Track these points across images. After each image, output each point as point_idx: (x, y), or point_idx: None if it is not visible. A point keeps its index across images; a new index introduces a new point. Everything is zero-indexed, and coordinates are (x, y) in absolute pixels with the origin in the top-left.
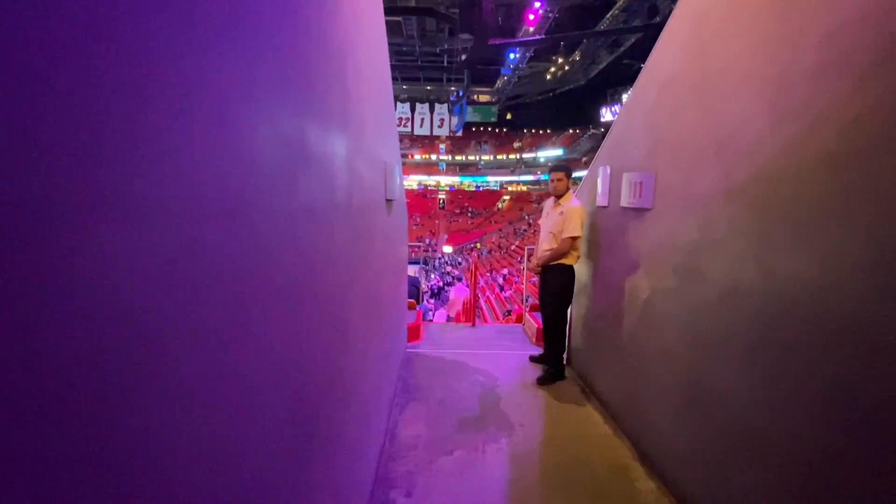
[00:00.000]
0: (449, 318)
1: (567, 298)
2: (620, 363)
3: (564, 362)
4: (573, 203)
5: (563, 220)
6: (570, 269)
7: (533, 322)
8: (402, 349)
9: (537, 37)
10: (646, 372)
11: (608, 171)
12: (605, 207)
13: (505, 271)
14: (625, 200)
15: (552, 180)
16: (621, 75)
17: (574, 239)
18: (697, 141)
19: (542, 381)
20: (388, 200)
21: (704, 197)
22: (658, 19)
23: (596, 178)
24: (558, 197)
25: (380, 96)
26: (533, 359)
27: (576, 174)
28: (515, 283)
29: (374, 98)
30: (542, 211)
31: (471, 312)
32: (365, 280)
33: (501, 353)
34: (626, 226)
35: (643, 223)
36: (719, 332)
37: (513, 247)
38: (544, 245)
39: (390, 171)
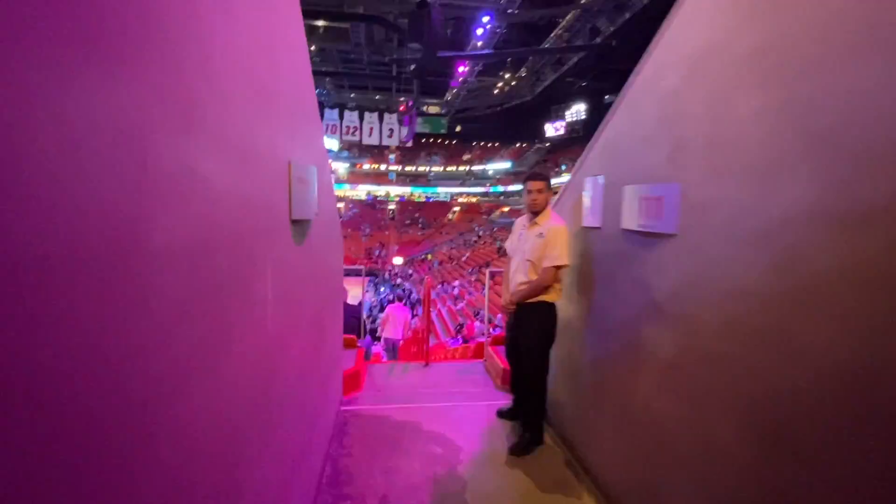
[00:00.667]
0: (388, 344)
1: (548, 345)
2: (628, 436)
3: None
4: (555, 222)
5: (543, 245)
6: (553, 307)
7: (497, 360)
8: (333, 412)
9: (485, 51)
10: (672, 459)
11: (601, 182)
12: (596, 229)
13: (456, 283)
14: (630, 221)
15: (529, 191)
16: (564, 92)
17: (559, 268)
18: (766, 136)
19: (517, 451)
20: (296, 221)
21: (788, 220)
22: (599, 40)
23: (581, 192)
24: (535, 213)
25: (282, 64)
26: (502, 414)
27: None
28: (468, 295)
29: (261, 56)
30: (493, 224)
31: (422, 346)
32: (250, 356)
33: (462, 406)
34: (633, 254)
35: (661, 253)
36: (837, 439)
37: (463, 258)
38: (519, 276)
39: (301, 176)
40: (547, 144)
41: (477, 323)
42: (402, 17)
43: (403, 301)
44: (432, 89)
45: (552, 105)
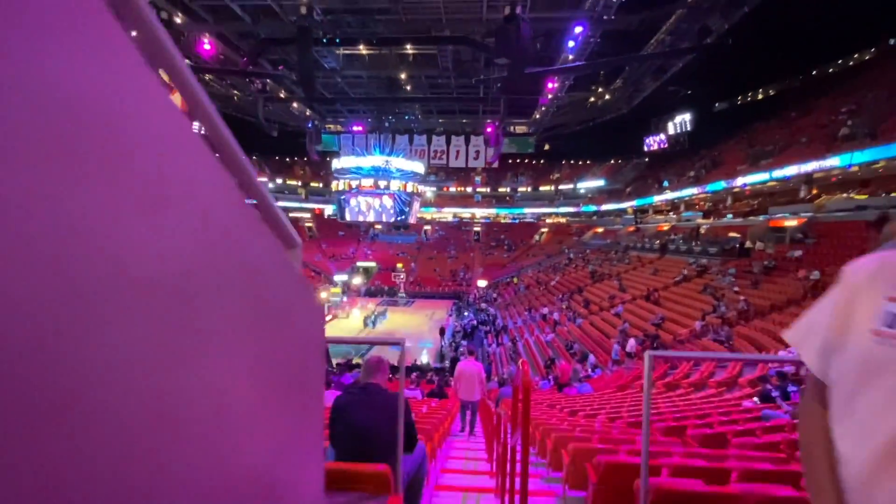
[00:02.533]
0: (465, 406)
1: None
2: None
3: None
4: None
5: None
6: None
7: None
8: None
9: (577, 63)
10: None
11: None
12: None
13: (545, 310)
14: None
15: None
16: (666, 103)
17: None
18: None
19: None
20: None
21: None
22: (710, 40)
23: None
24: None
25: None
26: None
27: (621, 205)
28: (559, 326)
29: None
30: (585, 246)
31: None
32: None
33: None
34: None
35: None
36: None
37: (552, 282)
38: None
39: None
40: (645, 159)
41: (574, 364)
42: (489, 37)
43: (476, 354)
44: (519, 109)
45: (652, 117)
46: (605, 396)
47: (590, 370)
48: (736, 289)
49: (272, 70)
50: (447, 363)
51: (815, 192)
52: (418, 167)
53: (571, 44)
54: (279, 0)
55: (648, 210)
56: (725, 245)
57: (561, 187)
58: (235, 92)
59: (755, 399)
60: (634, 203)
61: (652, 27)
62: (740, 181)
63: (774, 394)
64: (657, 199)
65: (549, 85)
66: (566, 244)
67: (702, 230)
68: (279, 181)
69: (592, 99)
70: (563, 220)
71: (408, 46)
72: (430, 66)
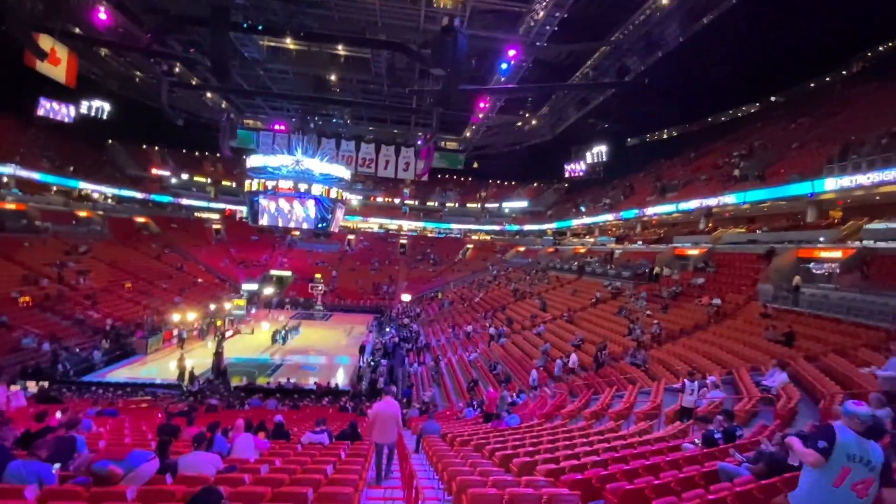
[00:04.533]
0: (379, 451)
1: None
2: None
3: None
4: None
5: None
6: None
7: None
8: None
9: (509, 85)
10: None
11: None
12: None
13: (469, 328)
14: None
15: None
16: (585, 133)
17: None
18: None
19: None
20: None
21: None
22: (628, 78)
23: None
24: None
25: None
26: None
27: (543, 226)
28: (482, 344)
29: None
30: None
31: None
32: None
33: None
34: None
35: None
36: None
37: (476, 299)
38: None
39: None
40: (565, 185)
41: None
42: (425, 47)
43: (395, 393)
44: (451, 125)
45: (572, 145)
46: (534, 430)
47: (515, 396)
48: (648, 312)
49: (181, 52)
50: (365, 384)
51: (711, 224)
52: (343, 172)
53: (504, 66)
54: None
55: (566, 233)
56: (637, 269)
57: (487, 205)
58: (137, 72)
59: (696, 441)
60: (555, 225)
61: (576, 62)
62: (650, 210)
63: (717, 436)
64: (575, 222)
65: (481, 104)
66: (491, 261)
67: (615, 254)
68: (185, 176)
69: (520, 123)
70: (487, 237)
71: (340, 46)
72: (362, 70)
